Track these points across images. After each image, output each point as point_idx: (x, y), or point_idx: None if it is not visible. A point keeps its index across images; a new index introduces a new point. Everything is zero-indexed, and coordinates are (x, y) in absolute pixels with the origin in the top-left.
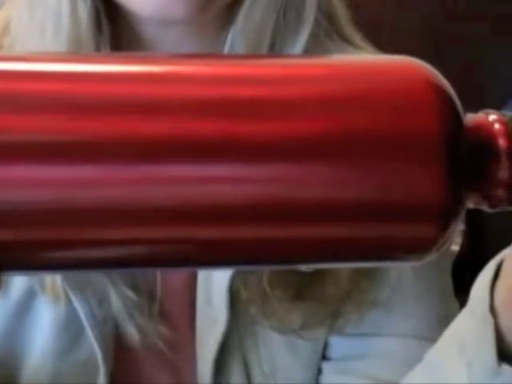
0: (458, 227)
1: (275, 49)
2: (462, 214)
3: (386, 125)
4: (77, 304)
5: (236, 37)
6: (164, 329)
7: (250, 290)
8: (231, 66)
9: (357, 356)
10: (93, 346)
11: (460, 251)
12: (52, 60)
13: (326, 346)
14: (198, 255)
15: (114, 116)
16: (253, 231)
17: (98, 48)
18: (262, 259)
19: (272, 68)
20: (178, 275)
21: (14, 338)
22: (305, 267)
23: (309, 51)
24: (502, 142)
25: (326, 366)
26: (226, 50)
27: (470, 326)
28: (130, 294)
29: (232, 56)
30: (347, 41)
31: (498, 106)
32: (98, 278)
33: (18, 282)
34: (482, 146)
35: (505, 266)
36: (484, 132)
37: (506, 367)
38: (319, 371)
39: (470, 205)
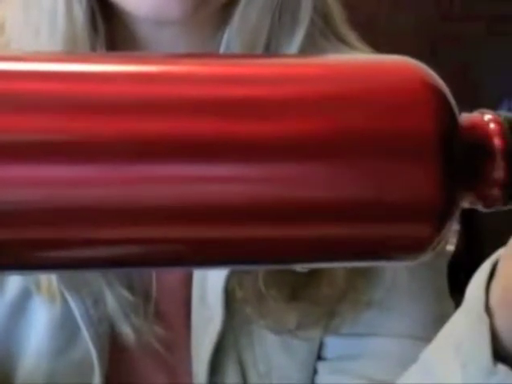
0: (454, 227)
1: (271, 49)
2: (457, 214)
3: (382, 124)
4: (72, 304)
5: (231, 37)
6: (159, 329)
7: (245, 290)
8: (227, 66)
9: (352, 356)
10: (88, 346)
11: (455, 251)
12: (47, 60)
13: (321, 346)
14: (194, 255)
15: (109, 115)
16: (248, 231)
17: (93, 48)
18: (257, 259)
19: (268, 68)
20: (173, 275)
21: (10, 337)
22: (300, 267)
23: (304, 51)
24: (497, 142)
25: (322, 366)
26: (221, 50)
27: (465, 325)
28: (126, 293)
29: (228, 56)
30: (343, 41)
31: (493, 106)
32: (94, 278)
33: (14, 282)
34: (477, 145)
35: (500, 266)
36: (479, 131)
37: (501, 367)
38: (314, 371)
39: (466, 204)
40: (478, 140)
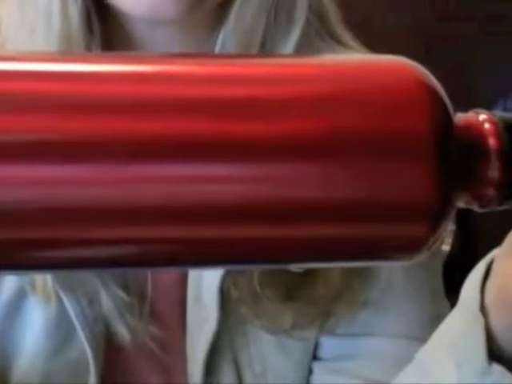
0: (449, 227)
1: (266, 48)
2: (453, 214)
3: (377, 124)
4: (67, 304)
5: (227, 36)
6: (154, 328)
7: (240, 290)
8: (222, 66)
9: (348, 356)
10: (83, 345)
11: (451, 251)
12: (43, 60)
13: (316, 346)
14: (189, 254)
15: (104, 115)
16: (244, 231)
17: (88, 48)
18: (253, 259)
19: (263, 68)
20: (168, 275)
21: (5, 337)
22: (295, 267)
23: (300, 51)
24: (492, 142)
25: (317, 366)
26: (216, 50)
27: (461, 325)
28: (121, 293)
29: (223, 55)
30: (338, 41)
31: (488, 106)
32: (89, 278)
33: (9, 282)
34: (472, 145)
35: (495, 266)
36: (474, 131)
37: (496, 367)
38: (310, 371)
39: (461, 204)
40: (472, 140)
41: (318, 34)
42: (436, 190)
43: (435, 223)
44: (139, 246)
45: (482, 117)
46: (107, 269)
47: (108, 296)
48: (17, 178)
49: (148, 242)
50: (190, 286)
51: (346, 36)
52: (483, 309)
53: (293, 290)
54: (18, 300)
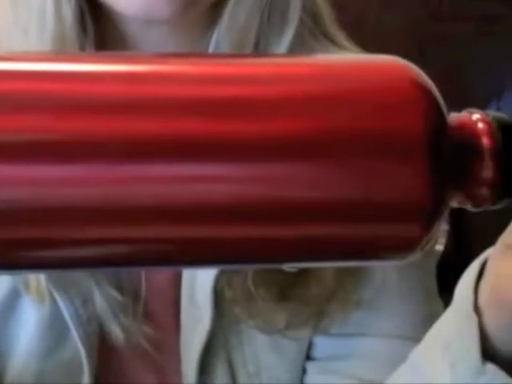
0: (442, 227)
1: (260, 48)
2: (446, 214)
3: (370, 124)
4: (61, 304)
5: (221, 36)
6: (148, 328)
7: (234, 290)
8: (216, 66)
9: (341, 356)
10: (77, 345)
11: (444, 251)
12: (37, 60)
13: (310, 346)
14: (183, 254)
15: (98, 115)
16: (238, 230)
17: (82, 47)
18: (247, 258)
19: (257, 67)
20: (162, 274)
21: None
22: (289, 267)
23: (293, 51)
24: (485, 141)
25: (311, 366)
26: (210, 50)
27: (454, 325)
28: (115, 293)
29: (217, 55)
30: (332, 40)
31: (481, 106)
32: (83, 278)
33: (2, 282)
34: (465, 145)
35: (489, 266)
36: (468, 131)
37: (490, 366)
38: (304, 371)
39: (454, 204)
40: (466, 139)
41: (312, 34)
42: (429, 190)
43: (428, 223)
44: (133, 246)
45: (476, 116)
46: (101, 268)
47: (102, 296)
48: (10, 178)
49: (142, 242)
50: (184, 286)
51: (340, 36)
52: (477, 308)
53: (287, 289)
54: (12, 300)
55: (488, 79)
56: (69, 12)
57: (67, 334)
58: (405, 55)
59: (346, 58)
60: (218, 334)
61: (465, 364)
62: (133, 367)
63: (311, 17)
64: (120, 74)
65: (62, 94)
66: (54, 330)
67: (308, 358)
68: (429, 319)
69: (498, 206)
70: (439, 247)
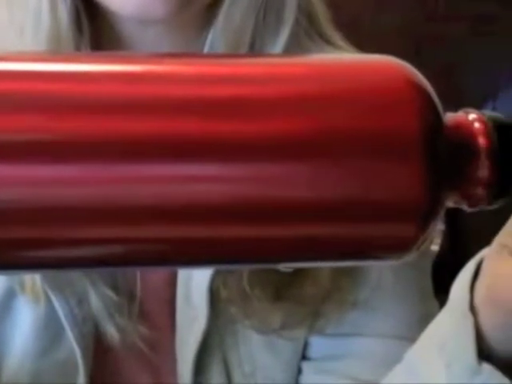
0: (438, 227)
1: (255, 49)
2: (442, 213)
3: (366, 124)
4: (56, 304)
5: (216, 37)
6: (144, 328)
7: (229, 290)
8: (212, 66)
9: (337, 356)
10: (72, 345)
11: (440, 251)
12: (33, 60)
13: (306, 346)
14: (179, 254)
15: (93, 115)
16: (234, 230)
17: (77, 47)
18: (243, 258)
19: (252, 67)
20: (157, 274)
21: None
22: (284, 267)
23: (289, 51)
24: (481, 141)
25: (306, 366)
26: (205, 50)
27: (450, 325)
28: (110, 293)
29: (213, 55)
30: (327, 41)
31: (477, 106)
32: (78, 278)
33: None
34: (461, 144)
35: (484, 266)
36: (464, 131)
37: (485, 366)
38: (299, 371)
39: (450, 204)
40: (462, 139)
41: (307, 34)
42: (425, 190)
43: (424, 223)
44: (129, 246)
45: (472, 116)
46: (97, 268)
47: (97, 296)
48: (7, 178)
49: (138, 242)
50: (180, 286)
51: (335, 36)
52: (472, 308)
53: (282, 289)
54: (7, 300)
55: (484, 79)
56: (64, 12)
57: (62, 334)
58: (400, 56)
59: (341, 57)
60: (213, 334)
61: (460, 364)
62: (128, 367)
63: (306, 17)
64: (116, 73)
65: (58, 94)
66: (50, 330)
67: (303, 357)
68: (424, 319)
69: (494, 206)
70: (435, 247)
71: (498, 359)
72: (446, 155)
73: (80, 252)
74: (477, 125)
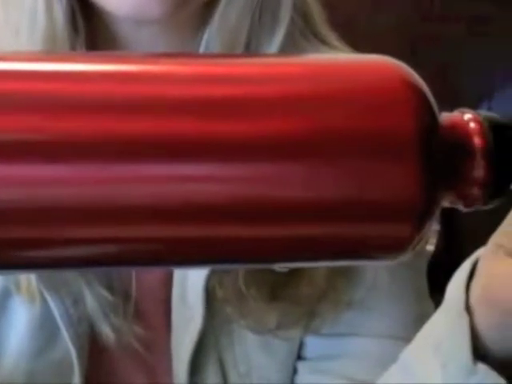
0: (433, 227)
1: (251, 48)
2: (437, 213)
3: (362, 123)
4: (52, 304)
5: (211, 37)
6: (139, 328)
7: (225, 289)
8: (207, 66)
9: (332, 356)
10: (68, 345)
11: (435, 251)
12: (27, 59)
13: (301, 346)
14: (174, 254)
15: (88, 115)
16: (230, 230)
17: (73, 47)
18: (238, 258)
19: (247, 67)
20: (153, 274)
21: None
22: (280, 267)
23: (284, 51)
24: (477, 141)
25: (302, 366)
26: (201, 50)
27: (445, 325)
28: (105, 293)
29: (208, 55)
30: (323, 41)
31: (473, 106)
32: (73, 278)
33: None
34: (457, 144)
35: (480, 266)
36: (459, 131)
37: (481, 366)
38: (294, 371)
39: (446, 204)
40: (458, 139)
41: (303, 34)
42: (421, 190)
43: (420, 223)
44: (125, 246)
45: (467, 116)
46: (92, 268)
47: (92, 296)
48: (1, 178)
49: (134, 242)
50: (175, 286)
51: (331, 36)
52: (468, 308)
53: (277, 289)
54: (3, 300)
55: (479, 79)
56: (60, 12)
57: (58, 334)
58: (396, 56)
59: (337, 57)
60: (209, 334)
61: (456, 363)
62: (123, 367)
63: (302, 17)
64: (111, 73)
65: (53, 93)
66: (45, 330)
67: (299, 357)
68: (420, 319)
69: (490, 206)
70: (430, 247)
71: (493, 359)
72: (441, 155)
73: (75, 252)
74: (472, 125)
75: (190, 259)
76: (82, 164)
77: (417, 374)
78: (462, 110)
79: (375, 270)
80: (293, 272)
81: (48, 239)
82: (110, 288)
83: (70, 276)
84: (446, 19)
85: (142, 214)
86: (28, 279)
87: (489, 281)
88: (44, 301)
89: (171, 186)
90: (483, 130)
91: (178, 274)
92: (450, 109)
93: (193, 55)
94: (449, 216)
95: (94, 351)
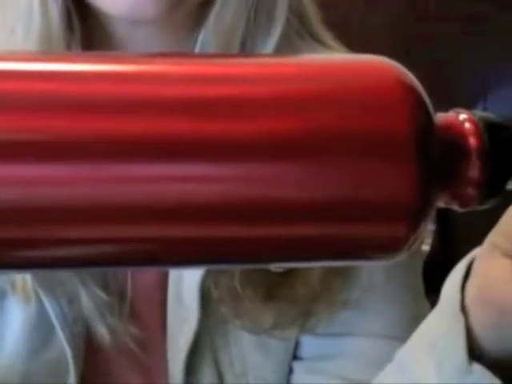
0: (429, 227)
1: (246, 49)
2: (433, 213)
3: (357, 124)
4: (47, 304)
5: (207, 37)
6: (134, 329)
7: (221, 290)
8: (202, 66)
9: (328, 356)
10: (63, 346)
11: (430, 251)
12: (22, 59)
13: (297, 346)
14: (169, 254)
15: (84, 115)
16: (225, 230)
17: (69, 47)
18: (234, 258)
19: (242, 67)
20: (148, 274)
21: None
22: (276, 267)
23: (280, 51)
24: (472, 141)
25: (297, 366)
26: (196, 50)
27: (441, 325)
28: (101, 293)
29: (203, 55)
30: (318, 40)
31: (468, 106)
32: (69, 278)
33: None
34: (452, 144)
35: (476, 266)
36: (454, 131)
37: (476, 366)
38: (290, 371)
39: (441, 204)
40: (453, 139)
41: (298, 34)
42: (416, 190)
43: (415, 223)
44: (120, 246)
45: (463, 116)
46: (87, 268)
47: (88, 296)
48: None
49: (129, 242)
50: (171, 286)
51: (326, 36)
52: (463, 308)
53: (273, 289)
54: None
55: (474, 79)
56: (55, 11)
57: (53, 334)
58: (391, 55)
59: (332, 58)
60: (204, 335)
61: (451, 363)
62: (119, 367)
63: (297, 17)
64: (107, 73)
65: (48, 93)
66: (40, 330)
67: (295, 357)
68: (415, 319)
69: (485, 206)
70: (426, 247)
71: (488, 359)
72: (436, 155)
73: (71, 252)
74: (467, 125)
75: (186, 259)
76: (78, 164)
77: (412, 374)
78: (457, 110)
79: (371, 270)
80: (288, 272)
81: (43, 239)
82: (105, 288)
83: (66, 276)
84: (440, 19)
85: (137, 213)
86: (23, 279)
87: (484, 281)
88: (39, 301)
89: (166, 185)
90: (478, 130)
91: (174, 274)
92: (445, 109)
93: (188, 55)
94: (444, 216)
95: (89, 351)
